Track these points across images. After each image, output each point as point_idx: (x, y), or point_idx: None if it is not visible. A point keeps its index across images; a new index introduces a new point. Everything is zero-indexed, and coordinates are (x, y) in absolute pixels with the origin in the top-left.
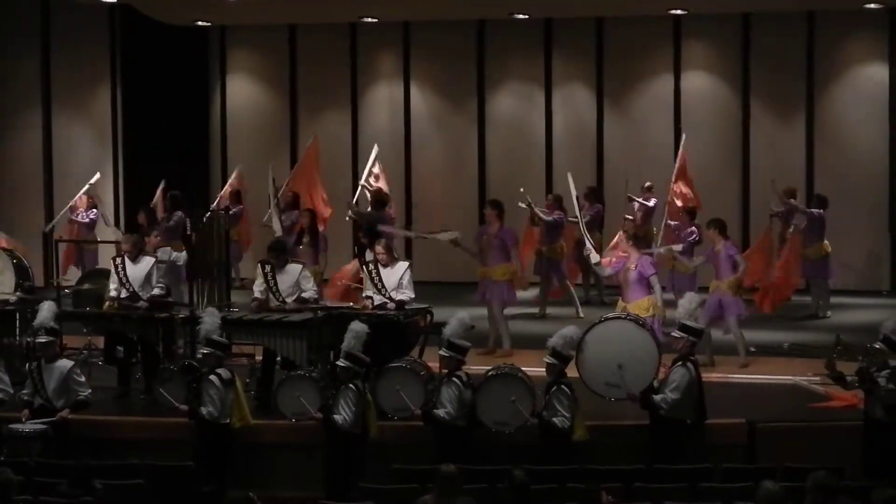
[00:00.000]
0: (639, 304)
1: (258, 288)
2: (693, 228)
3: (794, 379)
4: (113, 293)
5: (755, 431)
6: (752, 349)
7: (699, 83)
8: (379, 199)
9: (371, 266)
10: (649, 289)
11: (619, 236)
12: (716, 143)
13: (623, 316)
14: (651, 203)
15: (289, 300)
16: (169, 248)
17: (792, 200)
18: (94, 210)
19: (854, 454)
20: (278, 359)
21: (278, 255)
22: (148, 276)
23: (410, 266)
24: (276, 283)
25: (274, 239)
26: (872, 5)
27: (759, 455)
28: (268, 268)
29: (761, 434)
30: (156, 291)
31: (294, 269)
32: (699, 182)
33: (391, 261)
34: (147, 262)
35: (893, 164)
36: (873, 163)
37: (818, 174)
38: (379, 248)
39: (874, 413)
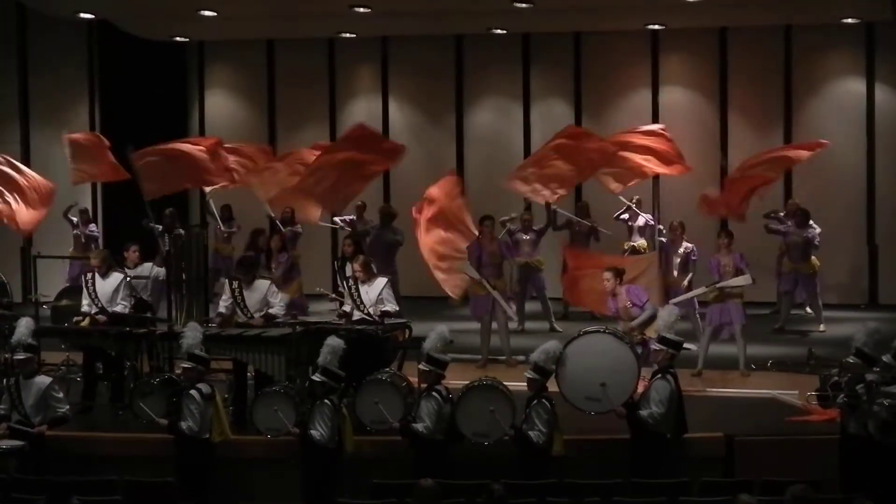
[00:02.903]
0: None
1: (224, 304)
2: (690, 245)
3: (773, 392)
4: (85, 308)
5: (733, 445)
6: (753, 366)
7: (677, 98)
8: (389, 213)
9: (350, 282)
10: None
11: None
12: (694, 158)
13: (602, 329)
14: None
15: (256, 316)
16: (150, 264)
17: (788, 223)
18: (93, 225)
19: (831, 467)
20: (249, 374)
21: (246, 271)
22: (116, 291)
23: (389, 282)
24: (243, 300)
25: (241, 255)
26: (850, 20)
27: (738, 468)
28: (235, 284)
29: (739, 447)
30: (118, 309)
31: (262, 285)
32: (676, 196)
33: (369, 277)
34: (116, 277)
35: (871, 177)
36: (851, 176)
37: (796, 188)
38: (356, 266)
39: (850, 427)
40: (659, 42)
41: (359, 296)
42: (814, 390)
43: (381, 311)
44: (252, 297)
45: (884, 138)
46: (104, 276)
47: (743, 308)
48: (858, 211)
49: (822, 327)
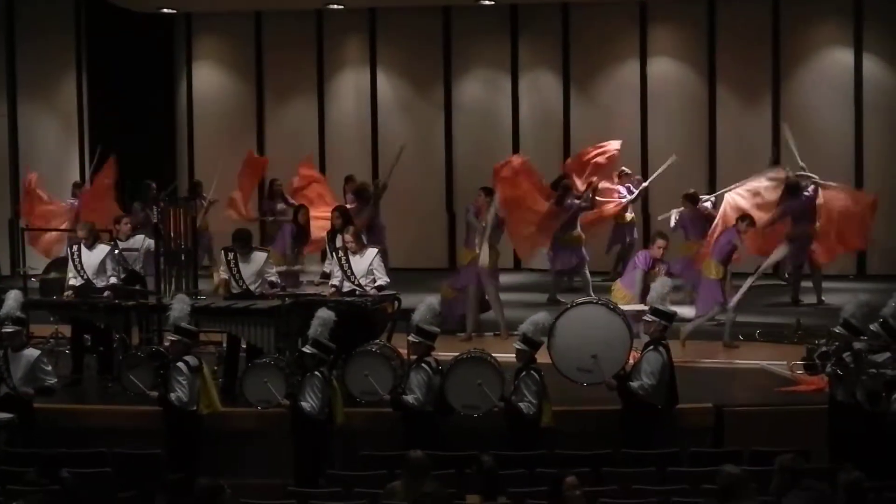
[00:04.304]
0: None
1: (223, 275)
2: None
3: (762, 363)
4: (72, 281)
5: (722, 415)
6: (741, 337)
7: (665, 68)
8: (364, 190)
9: (340, 253)
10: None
11: None
12: (682, 129)
13: (595, 300)
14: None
15: (252, 287)
16: (142, 236)
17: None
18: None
19: (820, 437)
20: (243, 346)
21: (243, 244)
22: (102, 263)
23: (380, 252)
24: (239, 271)
25: (237, 228)
26: None
27: (727, 439)
28: (231, 255)
29: (729, 418)
30: (112, 280)
31: (259, 257)
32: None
33: (360, 248)
34: (102, 249)
35: (859, 148)
36: (839, 147)
37: (784, 159)
38: (347, 236)
39: (838, 395)
40: (647, 12)
41: (349, 267)
42: (800, 360)
43: (376, 284)
44: (248, 268)
45: (871, 109)
46: (90, 248)
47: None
48: (846, 181)
49: (823, 298)
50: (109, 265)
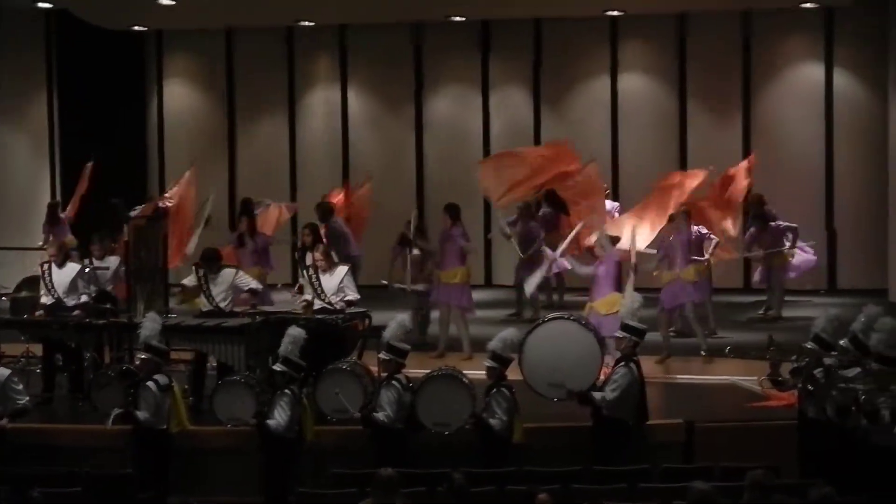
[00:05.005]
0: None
1: (189, 281)
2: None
3: (732, 379)
4: (43, 300)
5: (693, 431)
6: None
7: (636, 84)
8: (327, 208)
9: (311, 271)
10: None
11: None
12: (653, 144)
13: (566, 316)
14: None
15: (223, 305)
16: (116, 257)
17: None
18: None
19: (790, 452)
20: (211, 365)
21: (210, 263)
22: (73, 282)
23: (350, 269)
24: (209, 289)
25: (205, 248)
26: (808, 5)
27: (698, 454)
28: (201, 272)
29: (699, 434)
30: (83, 298)
31: (227, 274)
32: (635, 181)
33: (330, 266)
34: (72, 268)
35: (829, 163)
36: (810, 162)
37: (755, 173)
38: (317, 254)
39: (809, 411)
40: (618, 28)
41: (320, 285)
42: (766, 375)
43: (345, 299)
44: (217, 287)
45: (842, 123)
46: (60, 266)
47: (693, 286)
48: (817, 196)
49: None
50: (80, 283)
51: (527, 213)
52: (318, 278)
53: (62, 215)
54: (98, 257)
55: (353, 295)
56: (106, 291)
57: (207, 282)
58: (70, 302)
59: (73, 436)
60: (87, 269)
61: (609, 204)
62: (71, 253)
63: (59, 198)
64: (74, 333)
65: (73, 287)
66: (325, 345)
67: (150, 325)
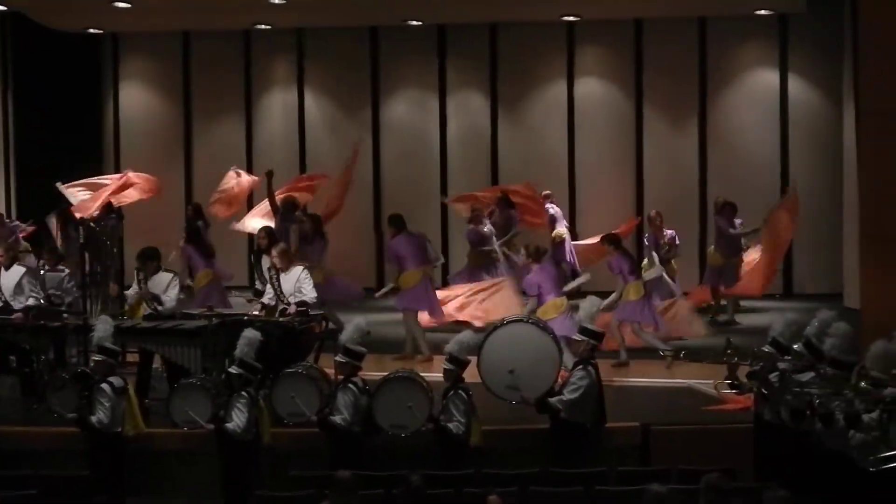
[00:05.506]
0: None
1: (132, 292)
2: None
3: (688, 382)
4: None
5: (649, 434)
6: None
7: (592, 89)
8: (291, 203)
9: (272, 272)
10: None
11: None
12: (610, 148)
13: (525, 319)
14: (551, 212)
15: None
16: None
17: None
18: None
19: (746, 456)
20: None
21: (145, 262)
22: (19, 284)
23: (306, 269)
24: (278, 284)
25: (142, 248)
26: (763, 11)
27: (654, 457)
28: (142, 275)
29: (655, 437)
30: (30, 301)
31: (164, 277)
32: (592, 186)
33: (287, 266)
34: (17, 270)
35: (785, 168)
36: (765, 167)
37: (711, 179)
38: (274, 254)
39: (764, 414)
40: (575, 33)
41: (279, 286)
42: (723, 379)
43: (298, 300)
44: (154, 287)
45: (797, 129)
46: (7, 268)
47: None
48: (772, 201)
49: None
50: (26, 286)
51: (505, 202)
52: (278, 279)
53: (7, 221)
54: (51, 267)
55: (309, 294)
56: (52, 297)
57: (147, 283)
58: (17, 304)
59: (28, 439)
60: (42, 273)
61: (553, 209)
62: (21, 256)
63: (13, 200)
64: (28, 336)
65: (19, 289)
66: (281, 347)
67: (102, 326)
